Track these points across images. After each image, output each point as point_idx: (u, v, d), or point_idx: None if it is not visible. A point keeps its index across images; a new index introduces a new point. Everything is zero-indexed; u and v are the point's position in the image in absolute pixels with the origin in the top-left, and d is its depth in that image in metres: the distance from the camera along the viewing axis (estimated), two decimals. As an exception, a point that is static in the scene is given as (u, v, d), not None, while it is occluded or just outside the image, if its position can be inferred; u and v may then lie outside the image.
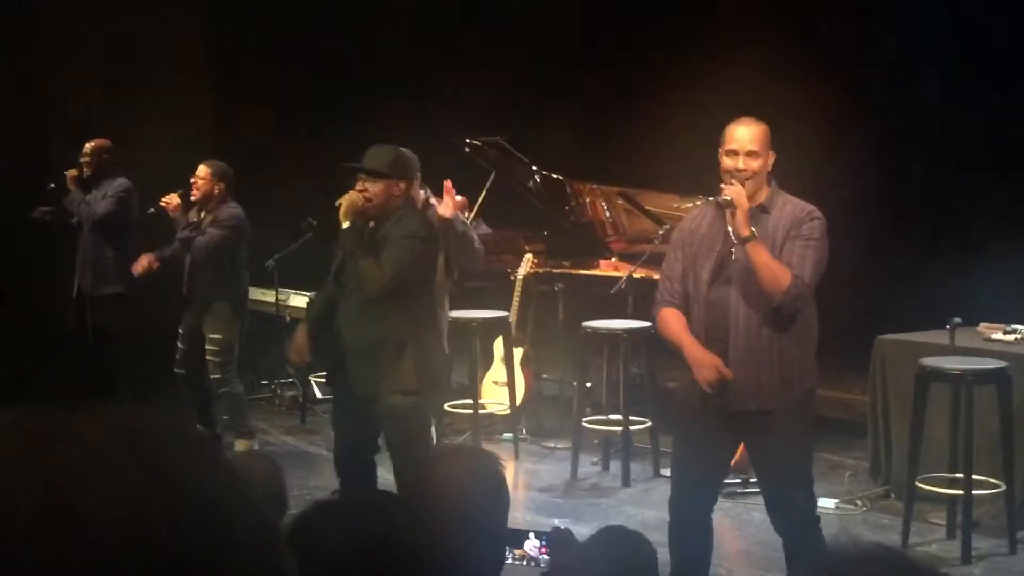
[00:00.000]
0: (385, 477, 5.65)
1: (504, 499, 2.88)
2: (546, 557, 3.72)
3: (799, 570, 3.80)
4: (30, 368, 8.06)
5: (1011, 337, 6.53)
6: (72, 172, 7.99)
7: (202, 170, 7.53)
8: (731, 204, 4.56)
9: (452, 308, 6.93)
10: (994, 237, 8.62)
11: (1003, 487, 6.07)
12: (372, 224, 5.37)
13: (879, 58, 10.17)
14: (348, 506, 2.37)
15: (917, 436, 6.07)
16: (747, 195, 4.58)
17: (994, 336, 6.59)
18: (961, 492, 5.99)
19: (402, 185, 5.40)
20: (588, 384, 7.75)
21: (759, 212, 4.63)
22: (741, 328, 4.59)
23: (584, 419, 7.56)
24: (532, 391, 8.37)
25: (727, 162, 4.64)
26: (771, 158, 4.67)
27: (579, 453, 7.40)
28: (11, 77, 9.21)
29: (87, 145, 7.98)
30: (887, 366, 6.81)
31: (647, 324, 6.80)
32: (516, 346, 8.12)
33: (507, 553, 3.52)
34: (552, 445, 7.93)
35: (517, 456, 7.70)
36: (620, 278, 7.63)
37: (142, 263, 7.73)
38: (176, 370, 7.66)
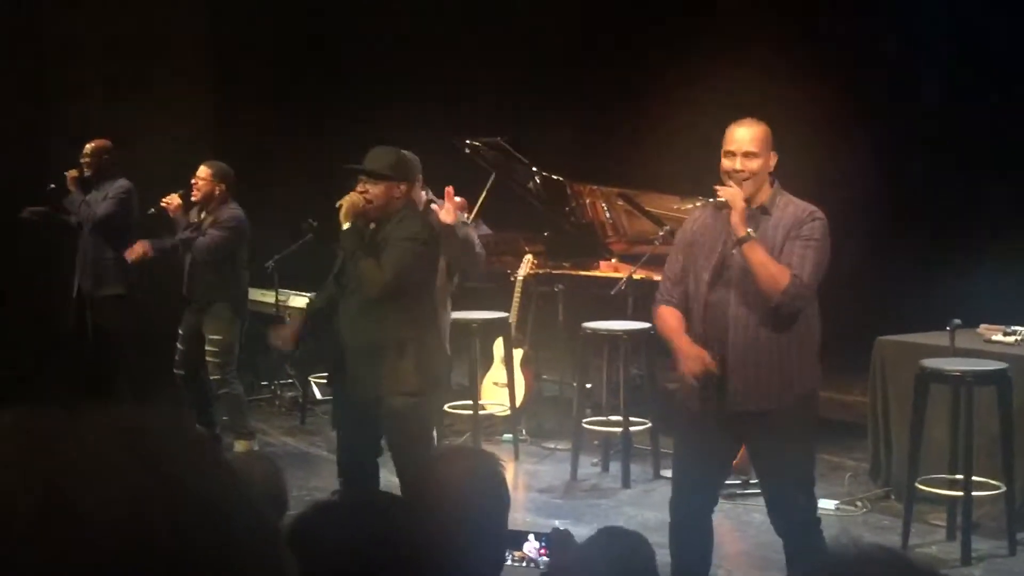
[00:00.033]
0: (388, 479, 5.65)
1: (504, 500, 2.88)
2: (545, 559, 3.71)
3: (799, 571, 3.80)
4: (30, 368, 8.06)
5: (1011, 338, 6.53)
6: (72, 173, 7.99)
7: (202, 171, 7.53)
8: (725, 205, 4.58)
9: (452, 309, 6.93)
10: (994, 237, 8.63)
11: (1003, 489, 6.07)
12: (372, 226, 5.37)
13: (879, 58, 10.17)
14: (348, 507, 2.37)
15: (917, 437, 6.07)
16: (747, 196, 4.59)
17: (994, 337, 6.59)
18: (961, 494, 5.99)
19: (403, 187, 5.40)
20: (588, 385, 7.75)
21: (760, 213, 4.63)
22: (740, 329, 4.59)
23: (584, 420, 7.55)
24: (532, 392, 8.36)
25: (725, 163, 4.66)
26: (772, 159, 4.67)
27: (579, 454, 7.40)
28: (11, 77, 9.21)
29: (87, 146, 7.98)
30: (887, 367, 6.81)
31: (647, 325, 6.79)
32: (516, 347, 8.12)
33: (507, 555, 3.52)
34: (552, 446, 7.93)
35: (517, 457, 7.70)
36: (620, 279, 7.63)
37: (136, 250, 7.74)
38: (176, 371, 7.66)
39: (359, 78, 10.43)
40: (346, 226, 5.33)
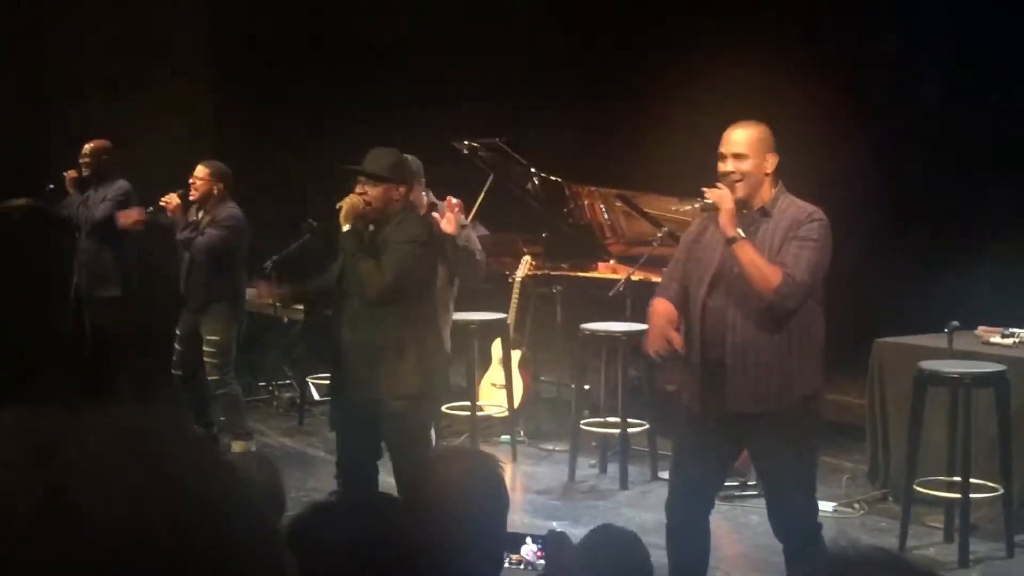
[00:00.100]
0: (386, 480, 5.65)
1: (503, 500, 2.88)
2: (542, 562, 3.71)
3: (797, 573, 3.80)
4: (30, 368, 8.06)
5: (1009, 340, 6.53)
6: (71, 173, 7.99)
7: (200, 170, 7.52)
8: (712, 207, 4.59)
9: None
10: (994, 238, 8.62)
11: (1001, 491, 6.07)
12: (372, 227, 5.37)
13: (879, 58, 10.17)
14: (346, 508, 2.37)
15: (915, 439, 6.07)
16: (742, 198, 4.60)
17: (992, 339, 6.59)
18: (959, 496, 5.98)
19: (401, 189, 5.40)
20: (586, 386, 7.75)
21: (760, 215, 4.64)
22: (739, 331, 4.59)
23: (582, 421, 7.55)
24: (530, 393, 8.36)
25: (719, 165, 4.69)
26: (770, 160, 4.66)
27: (577, 455, 7.39)
28: (11, 77, 9.21)
29: (87, 146, 7.98)
30: (885, 369, 6.81)
31: (645, 327, 6.78)
32: (514, 348, 8.12)
33: (504, 558, 3.52)
34: (550, 447, 7.93)
35: (515, 458, 7.70)
36: (618, 280, 7.62)
37: (131, 215, 7.74)
38: (173, 371, 7.65)
39: (359, 78, 10.43)
40: (346, 228, 5.33)
